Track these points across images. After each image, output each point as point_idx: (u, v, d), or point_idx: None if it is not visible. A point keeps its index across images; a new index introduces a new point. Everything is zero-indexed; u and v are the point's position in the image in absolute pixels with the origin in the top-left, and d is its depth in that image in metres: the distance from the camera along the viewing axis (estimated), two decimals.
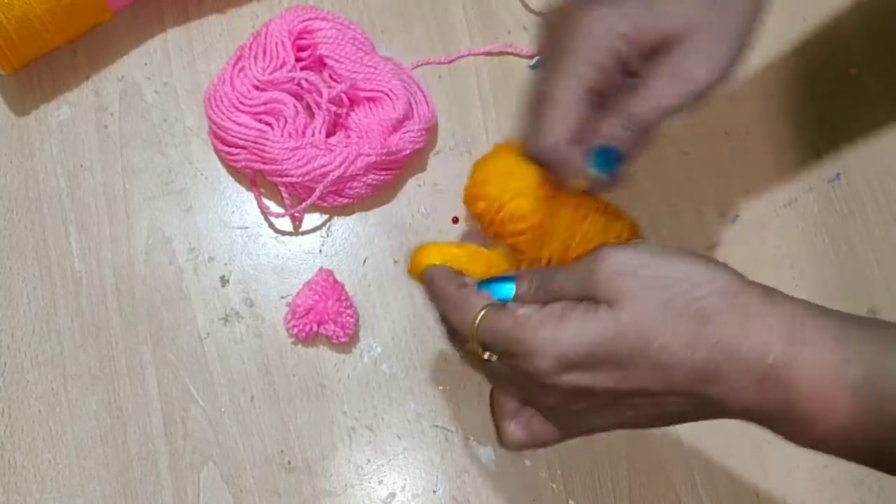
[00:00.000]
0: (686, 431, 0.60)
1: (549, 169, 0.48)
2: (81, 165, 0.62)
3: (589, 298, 0.42)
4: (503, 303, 0.44)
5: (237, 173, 0.62)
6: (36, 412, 0.57)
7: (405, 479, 0.58)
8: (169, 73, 0.64)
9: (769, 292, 0.42)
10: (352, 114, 0.62)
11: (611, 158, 0.47)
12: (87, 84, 0.63)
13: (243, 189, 0.62)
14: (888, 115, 0.67)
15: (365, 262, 0.61)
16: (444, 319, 0.46)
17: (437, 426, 0.59)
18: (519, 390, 0.45)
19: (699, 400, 0.41)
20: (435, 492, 0.58)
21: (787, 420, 0.41)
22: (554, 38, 0.49)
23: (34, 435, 0.57)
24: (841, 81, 0.68)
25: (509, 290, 0.45)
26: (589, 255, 0.43)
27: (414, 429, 0.59)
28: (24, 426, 0.57)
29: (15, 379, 0.58)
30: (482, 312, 0.43)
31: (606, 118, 0.47)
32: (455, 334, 0.46)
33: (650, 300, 0.41)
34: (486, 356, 0.44)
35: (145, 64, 0.64)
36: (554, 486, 0.58)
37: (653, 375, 0.41)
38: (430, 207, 0.63)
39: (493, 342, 0.43)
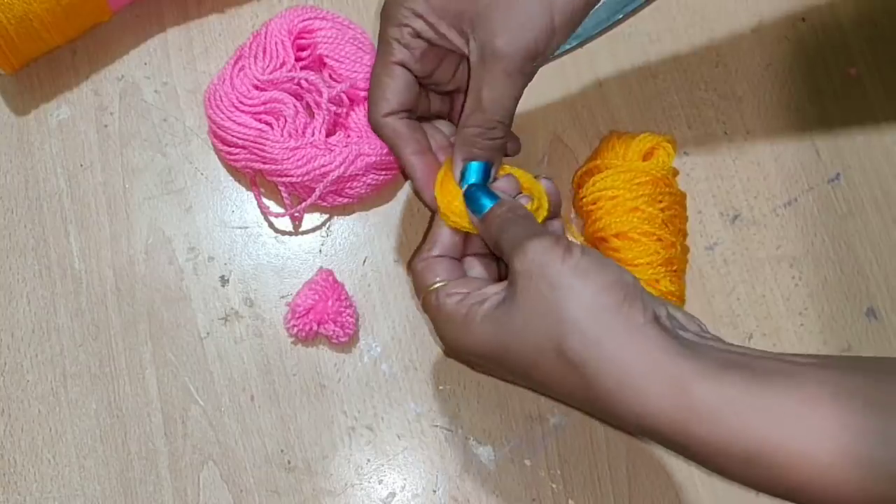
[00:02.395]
0: None
1: (390, 149, 0.55)
2: (81, 165, 0.62)
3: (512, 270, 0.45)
4: (444, 285, 0.49)
5: (237, 173, 0.62)
6: (36, 412, 0.58)
7: (405, 479, 0.58)
8: (169, 73, 0.64)
9: (667, 342, 0.40)
10: (352, 114, 0.62)
11: (479, 171, 0.51)
12: (87, 84, 0.63)
13: (243, 189, 0.62)
14: (888, 115, 0.67)
15: (365, 262, 0.61)
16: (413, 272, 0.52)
17: (437, 426, 0.59)
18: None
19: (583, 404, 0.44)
20: (435, 492, 0.58)
21: (756, 465, 0.39)
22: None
23: (34, 435, 0.57)
24: (841, 81, 0.68)
25: (485, 206, 0.49)
26: (526, 235, 0.45)
27: (414, 429, 0.59)
28: (24, 426, 0.57)
29: (15, 379, 0.58)
30: (433, 287, 0.49)
31: (459, 132, 0.51)
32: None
33: (543, 323, 0.42)
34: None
35: (145, 64, 0.64)
36: (554, 486, 0.58)
37: (543, 389, 0.45)
38: None
39: (429, 313, 0.50)
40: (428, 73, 0.53)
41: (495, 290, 0.46)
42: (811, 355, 0.40)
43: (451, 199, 0.52)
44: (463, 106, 0.51)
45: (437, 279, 0.50)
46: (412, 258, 0.53)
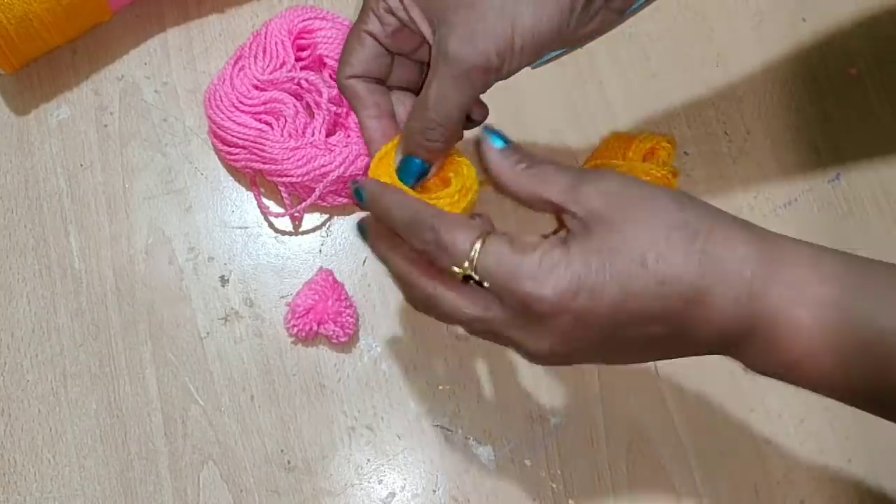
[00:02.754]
0: (686, 431, 0.60)
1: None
2: (81, 165, 0.62)
3: (571, 203, 0.43)
4: (502, 235, 0.44)
5: (237, 173, 0.62)
6: (36, 412, 0.58)
7: (405, 479, 0.58)
8: (169, 73, 0.64)
9: (745, 222, 0.43)
10: (352, 114, 0.62)
11: (414, 168, 0.50)
12: (87, 84, 0.63)
13: (243, 189, 0.62)
14: (888, 115, 0.67)
15: (365, 262, 0.61)
16: (436, 232, 0.44)
17: (437, 426, 0.59)
18: (505, 330, 0.44)
19: (679, 328, 0.42)
20: (435, 491, 0.58)
21: (754, 342, 0.41)
22: None
23: (34, 435, 0.57)
24: (841, 81, 0.68)
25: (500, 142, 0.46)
26: (576, 174, 0.44)
27: (414, 429, 0.59)
28: (24, 426, 0.57)
29: (15, 379, 0.58)
30: (487, 236, 0.43)
31: (406, 124, 0.50)
32: (439, 253, 0.44)
33: (641, 215, 0.42)
34: (476, 279, 0.43)
35: (145, 64, 0.64)
36: (554, 486, 0.58)
37: (652, 290, 0.41)
38: None
39: (495, 266, 0.42)
40: (400, 49, 0.53)
41: (559, 236, 0.43)
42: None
43: (384, 176, 0.50)
44: None
45: (477, 234, 0.43)
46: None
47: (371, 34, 0.52)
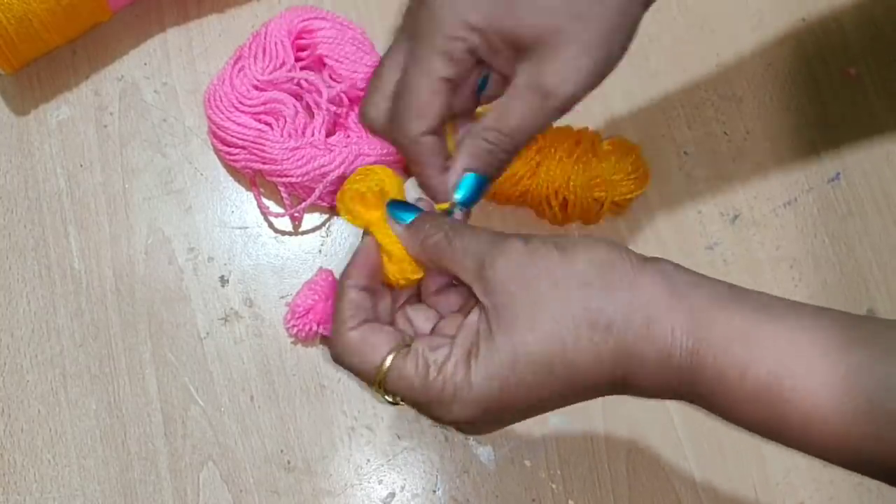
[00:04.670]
0: (686, 432, 0.60)
1: (410, 162, 0.49)
2: (81, 165, 0.62)
3: (479, 289, 0.42)
4: (408, 346, 0.43)
5: (237, 173, 0.62)
6: (36, 412, 0.58)
7: (405, 479, 0.58)
8: (169, 73, 0.64)
9: (669, 279, 0.40)
10: (352, 114, 0.62)
11: (476, 185, 0.47)
12: (87, 84, 0.63)
13: (243, 189, 0.62)
14: (888, 115, 0.67)
15: None
16: (339, 360, 0.45)
17: (437, 426, 0.59)
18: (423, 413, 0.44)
19: (615, 393, 0.42)
20: (435, 492, 0.58)
21: (708, 410, 0.41)
22: (411, 23, 0.47)
23: (34, 435, 0.57)
24: (841, 81, 0.68)
25: (409, 217, 0.46)
26: (491, 241, 0.42)
27: (414, 429, 0.59)
28: (24, 426, 0.57)
29: (15, 379, 0.58)
30: (389, 359, 0.43)
31: (471, 140, 0.47)
32: (354, 374, 0.45)
33: (546, 312, 0.40)
34: (391, 400, 0.44)
35: (145, 64, 0.64)
36: (554, 486, 0.58)
37: (564, 391, 0.41)
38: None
39: (403, 391, 0.43)
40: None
41: (472, 328, 0.42)
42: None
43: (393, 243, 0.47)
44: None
45: (384, 353, 0.43)
46: (333, 330, 0.45)
47: (449, 80, 0.46)
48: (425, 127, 0.47)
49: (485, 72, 0.49)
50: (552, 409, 0.43)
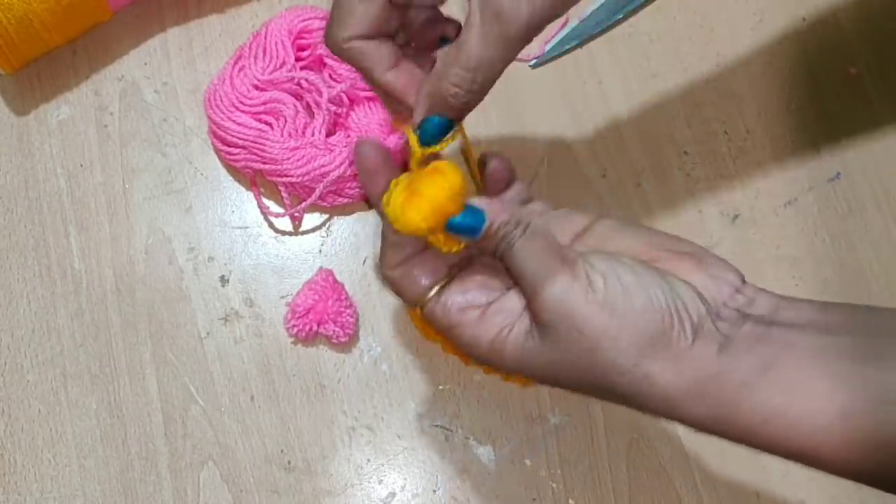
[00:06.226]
0: (686, 431, 0.60)
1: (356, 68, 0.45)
2: (81, 165, 0.62)
3: (533, 309, 0.41)
4: (447, 273, 0.44)
5: (237, 173, 0.62)
6: (36, 412, 0.58)
7: (405, 479, 0.58)
8: (169, 73, 0.64)
9: (718, 357, 0.40)
10: (352, 114, 0.62)
11: (439, 128, 0.44)
12: (87, 84, 0.63)
13: (243, 189, 0.62)
14: (888, 115, 0.67)
15: (365, 262, 0.61)
16: (386, 286, 0.46)
17: (437, 426, 0.59)
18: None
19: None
20: (435, 491, 0.58)
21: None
22: None
23: (34, 435, 0.57)
24: (841, 81, 0.68)
25: (478, 228, 0.43)
26: (541, 273, 0.41)
27: (414, 429, 0.59)
28: (24, 426, 0.57)
29: (15, 379, 0.58)
30: (427, 301, 0.43)
31: (433, 81, 0.44)
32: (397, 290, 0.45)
33: (581, 364, 0.40)
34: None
35: (145, 64, 0.64)
36: (554, 485, 0.58)
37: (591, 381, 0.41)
38: None
39: (438, 328, 0.44)
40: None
41: (517, 310, 0.42)
42: (812, 310, 0.41)
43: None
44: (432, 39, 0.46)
45: (427, 284, 0.44)
46: (381, 263, 0.45)
47: None
48: (351, 32, 0.44)
49: (446, 35, 0.46)
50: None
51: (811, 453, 0.39)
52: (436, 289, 0.44)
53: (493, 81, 0.44)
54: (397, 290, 0.45)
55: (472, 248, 0.44)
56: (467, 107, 0.45)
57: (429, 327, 0.45)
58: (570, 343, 0.40)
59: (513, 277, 0.43)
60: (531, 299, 0.41)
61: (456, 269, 0.45)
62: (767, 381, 0.39)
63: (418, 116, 0.45)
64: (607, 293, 0.40)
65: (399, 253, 0.44)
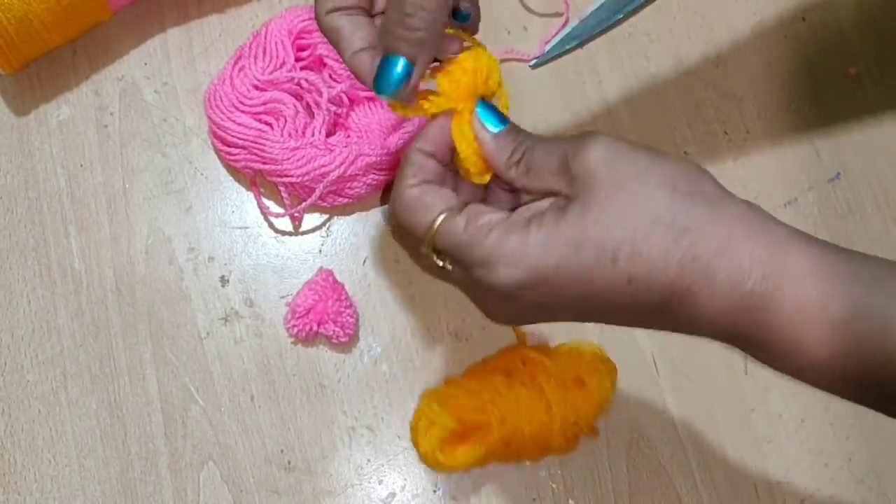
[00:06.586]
0: (686, 431, 0.60)
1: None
2: (81, 165, 0.62)
3: (563, 185, 0.40)
4: (462, 208, 0.42)
5: (237, 173, 0.62)
6: (36, 412, 0.58)
7: (405, 479, 0.58)
8: (169, 73, 0.64)
9: (753, 211, 0.40)
10: (352, 114, 0.62)
11: (397, 70, 0.42)
12: (87, 84, 0.63)
13: (243, 189, 0.62)
14: (888, 115, 0.67)
15: (365, 262, 0.61)
16: (396, 217, 0.43)
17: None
18: (475, 300, 0.43)
19: (654, 317, 0.40)
20: (435, 491, 0.58)
21: (760, 348, 0.39)
22: None
23: (34, 435, 0.57)
24: (841, 81, 0.68)
25: (498, 125, 0.43)
26: (576, 137, 0.41)
27: None
28: (24, 426, 0.57)
29: (15, 379, 0.58)
30: (440, 217, 0.42)
31: (385, 19, 0.43)
32: (407, 235, 0.44)
33: (626, 198, 0.38)
34: (441, 264, 0.42)
35: (145, 64, 0.64)
36: (554, 485, 0.58)
37: (621, 287, 0.39)
38: None
39: (451, 250, 0.41)
40: None
41: (541, 205, 0.41)
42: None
43: (468, 144, 0.44)
44: None
45: (438, 210, 0.42)
46: (398, 184, 0.43)
47: None
48: (331, 5, 0.44)
49: (466, 8, 0.45)
50: (599, 315, 0.41)
51: (797, 352, 0.38)
52: (452, 210, 0.42)
53: (435, 7, 0.42)
54: (411, 213, 0.43)
55: (499, 175, 0.43)
56: (417, 37, 0.42)
57: (433, 262, 0.43)
58: (614, 197, 0.39)
59: (539, 184, 0.41)
60: (562, 173, 0.40)
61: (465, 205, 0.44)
62: (830, 278, 0.38)
63: (375, 60, 0.43)
64: (648, 151, 0.40)
65: (418, 175, 0.43)
